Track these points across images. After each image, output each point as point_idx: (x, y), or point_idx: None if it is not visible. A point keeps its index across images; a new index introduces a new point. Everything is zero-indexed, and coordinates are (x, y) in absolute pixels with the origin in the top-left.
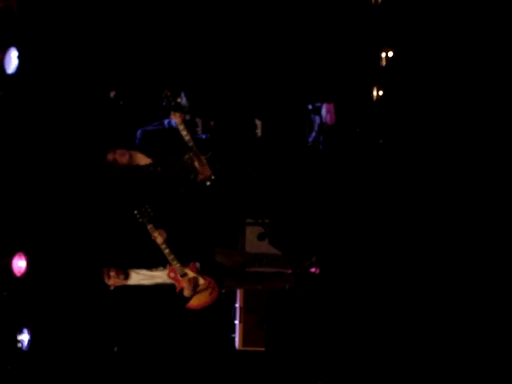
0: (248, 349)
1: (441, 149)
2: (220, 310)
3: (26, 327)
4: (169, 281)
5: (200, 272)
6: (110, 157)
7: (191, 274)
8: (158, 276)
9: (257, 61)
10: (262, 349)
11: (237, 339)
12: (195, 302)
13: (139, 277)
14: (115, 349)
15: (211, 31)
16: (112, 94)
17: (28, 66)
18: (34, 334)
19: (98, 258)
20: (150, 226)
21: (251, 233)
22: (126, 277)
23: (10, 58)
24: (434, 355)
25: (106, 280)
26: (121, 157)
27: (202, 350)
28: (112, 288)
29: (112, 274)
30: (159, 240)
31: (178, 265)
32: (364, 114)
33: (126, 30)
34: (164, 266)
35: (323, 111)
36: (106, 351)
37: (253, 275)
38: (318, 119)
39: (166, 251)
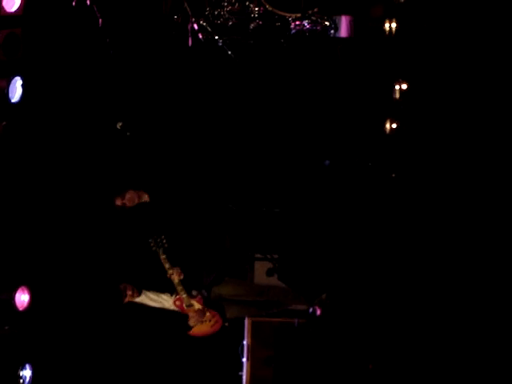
0: None
1: (456, 183)
2: (228, 347)
3: (28, 363)
4: (173, 307)
5: (206, 305)
6: (118, 202)
7: (197, 306)
8: (165, 301)
9: (271, 92)
10: None
11: (244, 377)
12: (196, 330)
13: (146, 298)
14: None
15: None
16: (119, 124)
17: (32, 94)
18: (36, 370)
19: (102, 292)
20: (163, 257)
21: (260, 267)
22: (139, 295)
23: (15, 86)
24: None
25: (124, 299)
26: (129, 202)
27: None
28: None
29: (129, 293)
30: (176, 278)
31: (186, 295)
32: (377, 147)
33: (132, 61)
34: (171, 294)
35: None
36: None
37: (260, 303)
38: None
39: (176, 281)
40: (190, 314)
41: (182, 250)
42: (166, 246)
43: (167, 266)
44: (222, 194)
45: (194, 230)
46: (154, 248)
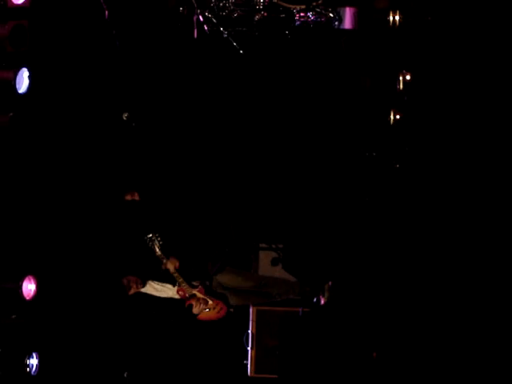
0: (260, 376)
1: (460, 174)
2: (232, 336)
3: (35, 351)
4: (177, 296)
5: (208, 294)
6: (128, 197)
7: (199, 295)
8: (169, 290)
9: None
10: (275, 376)
11: (249, 366)
12: (203, 316)
13: (150, 287)
14: (125, 374)
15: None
16: (125, 115)
17: (39, 85)
18: (42, 359)
19: (107, 281)
20: (159, 254)
21: (264, 257)
22: (143, 286)
23: (22, 77)
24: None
25: (128, 292)
26: (139, 196)
27: (215, 376)
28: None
29: (133, 285)
30: (170, 268)
31: (187, 286)
32: (381, 138)
33: (138, 53)
34: (174, 285)
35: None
36: (116, 376)
37: (260, 293)
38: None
39: (175, 275)
40: (194, 303)
41: (188, 239)
42: (161, 242)
43: (164, 261)
44: (227, 185)
45: (200, 220)
46: (149, 245)
